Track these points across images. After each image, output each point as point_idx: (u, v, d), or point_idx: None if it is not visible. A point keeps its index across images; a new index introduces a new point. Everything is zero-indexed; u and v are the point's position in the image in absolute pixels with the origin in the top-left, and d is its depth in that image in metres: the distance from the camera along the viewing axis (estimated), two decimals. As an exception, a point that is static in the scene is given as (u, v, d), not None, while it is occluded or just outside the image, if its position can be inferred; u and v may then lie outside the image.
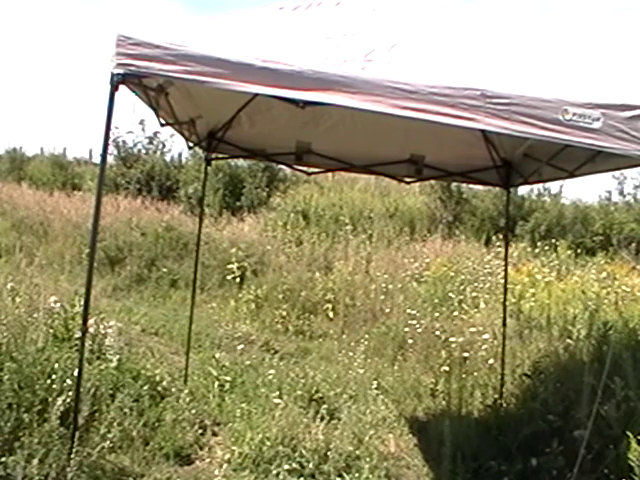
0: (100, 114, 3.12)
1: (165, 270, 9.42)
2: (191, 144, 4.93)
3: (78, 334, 4.21)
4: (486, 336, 6.26)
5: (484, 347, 6.09)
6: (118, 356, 4.71)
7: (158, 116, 3.80)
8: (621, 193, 15.34)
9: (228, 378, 5.18)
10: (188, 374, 5.21)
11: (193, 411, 4.41)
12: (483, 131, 4.29)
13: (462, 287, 8.71)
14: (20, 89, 46.32)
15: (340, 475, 3.83)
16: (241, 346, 6.57)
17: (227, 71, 2.80)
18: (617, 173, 14.40)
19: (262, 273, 9.30)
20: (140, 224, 11.04)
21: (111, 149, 15.47)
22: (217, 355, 5.62)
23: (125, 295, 8.76)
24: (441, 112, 2.77)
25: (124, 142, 16.25)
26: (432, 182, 12.76)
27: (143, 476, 3.59)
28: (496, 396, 5.11)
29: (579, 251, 11.85)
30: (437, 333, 6.91)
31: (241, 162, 14.63)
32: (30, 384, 3.50)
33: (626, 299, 7.59)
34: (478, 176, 5.23)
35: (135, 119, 15.55)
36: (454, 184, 13.58)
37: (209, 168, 5.64)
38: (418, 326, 7.07)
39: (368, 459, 3.99)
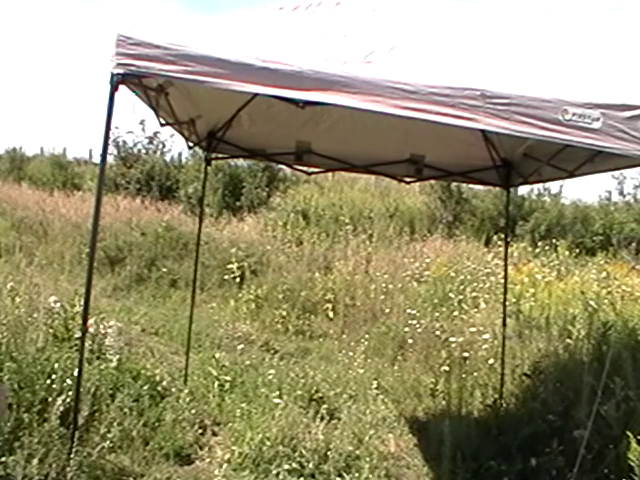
0: (100, 114, 3.13)
1: (165, 270, 9.42)
2: (191, 144, 4.93)
3: (78, 334, 4.23)
4: (486, 336, 6.26)
5: (484, 347, 6.10)
6: (118, 356, 4.72)
7: (158, 116, 3.80)
8: (621, 193, 15.41)
9: (228, 378, 5.18)
10: (188, 374, 5.21)
11: (193, 411, 4.41)
12: (483, 131, 4.29)
13: (462, 287, 8.70)
14: (20, 89, 46.38)
15: (340, 475, 3.83)
16: (241, 346, 6.57)
17: (227, 71, 2.79)
18: (617, 173, 14.48)
19: (262, 273, 9.30)
20: (140, 224, 11.05)
21: (111, 149, 15.50)
22: (217, 355, 5.62)
23: (125, 295, 8.76)
24: (441, 112, 2.77)
25: (124, 142, 16.32)
26: (432, 182, 12.77)
27: (143, 476, 3.59)
28: (496, 396, 5.11)
29: (579, 251, 11.86)
30: (437, 333, 6.92)
31: (241, 162, 14.64)
32: (30, 384, 3.51)
33: (626, 299, 7.59)
34: (478, 176, 5.23)
35: (135, 119, 15.59)
36: (454, 184, 13.60)
37: (209, 168, 5.65)
38: (418, 326, 7.08)
39: (368, 459, 3.99)
